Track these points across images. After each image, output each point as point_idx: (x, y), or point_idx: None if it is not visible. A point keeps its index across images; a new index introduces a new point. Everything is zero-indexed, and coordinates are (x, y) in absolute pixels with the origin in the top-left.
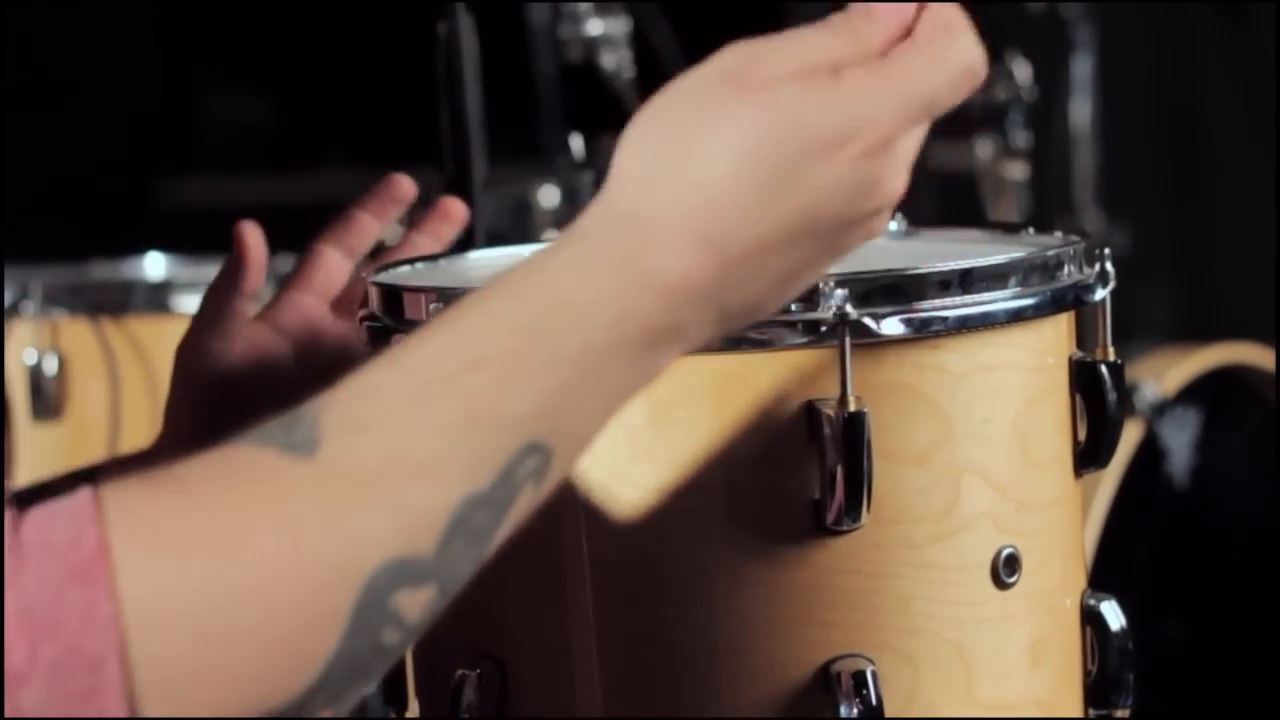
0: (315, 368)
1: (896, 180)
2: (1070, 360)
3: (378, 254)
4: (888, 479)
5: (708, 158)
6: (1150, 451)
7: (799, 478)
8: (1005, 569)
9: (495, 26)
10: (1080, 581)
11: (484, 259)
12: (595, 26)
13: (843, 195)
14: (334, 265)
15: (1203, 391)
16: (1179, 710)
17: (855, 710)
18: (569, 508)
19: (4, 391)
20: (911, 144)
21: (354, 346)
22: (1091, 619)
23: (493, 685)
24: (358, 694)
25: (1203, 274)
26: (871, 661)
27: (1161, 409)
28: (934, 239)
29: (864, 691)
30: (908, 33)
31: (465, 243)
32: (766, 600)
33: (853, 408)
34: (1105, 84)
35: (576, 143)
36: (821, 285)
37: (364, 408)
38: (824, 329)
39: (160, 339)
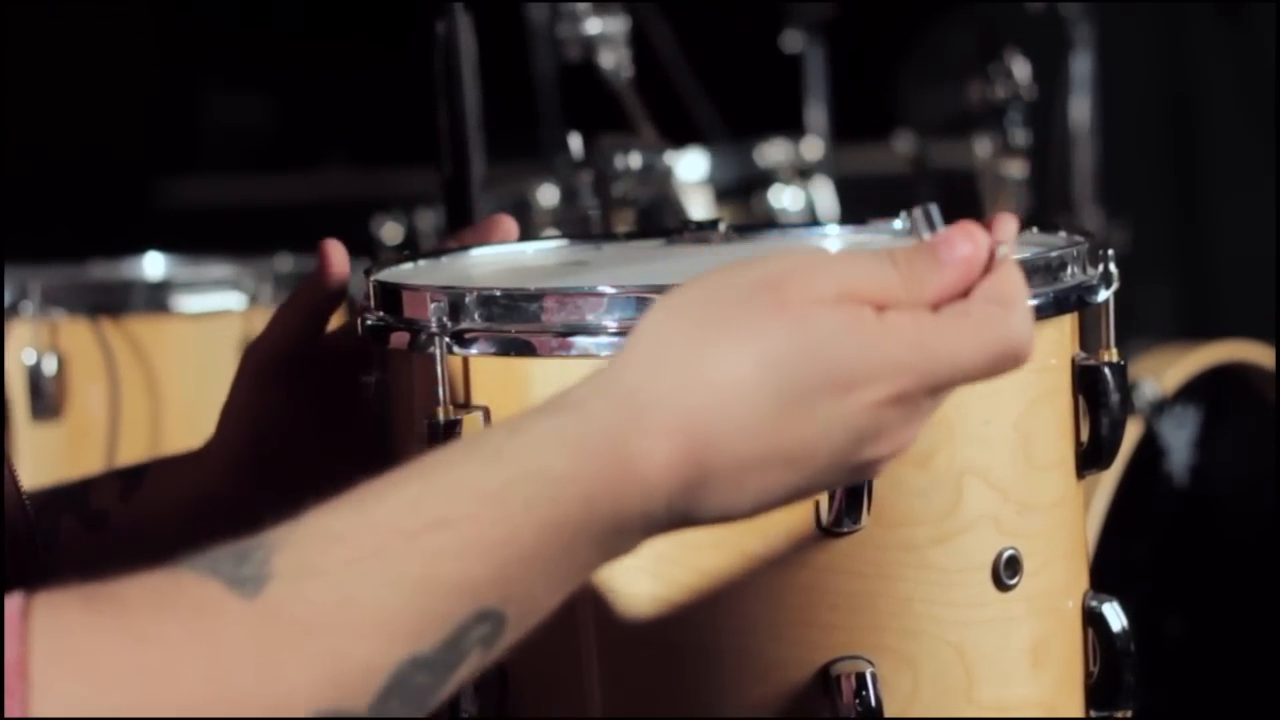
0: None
1: (906, 434)
2: (1073, 361)
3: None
4: (888, 481)
5: (726, 361)
6: (1150, 450)
7: None
8: (1006, 571)
9: (494, 26)
10: (1082, 583)
11: (484, 257)
12: (594, 25)
13: (847, 436)
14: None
15: (1202, 389)
16: (1179, 709)
17: (855, 712)
18: None
19: (3, 391)
20: (932, 406)
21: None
22: (1093, 620)
23: (492, 687)
24: None
25: (1202, 272)
26: (872, 663)
27: (1161, 407)
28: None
29: (864, 693)
30: (967, 291)
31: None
32: (767, 602)
33: None
34: (1104, 82)
35: (575, 142)
36: None
37: (319, 553)
38: None
39: (159, 339)
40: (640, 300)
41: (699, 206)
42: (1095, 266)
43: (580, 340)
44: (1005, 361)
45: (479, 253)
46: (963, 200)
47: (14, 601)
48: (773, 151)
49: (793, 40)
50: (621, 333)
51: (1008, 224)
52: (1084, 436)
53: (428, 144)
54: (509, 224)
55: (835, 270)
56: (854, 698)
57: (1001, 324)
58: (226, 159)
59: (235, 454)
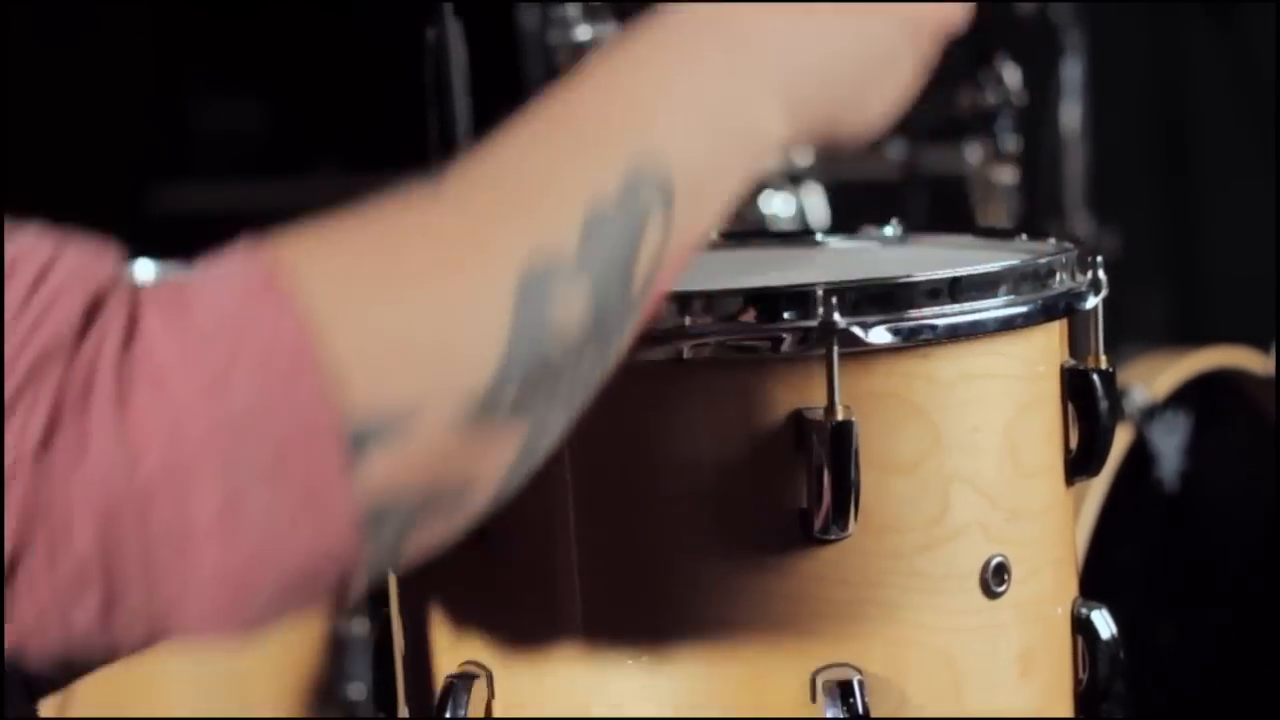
0: None
1: (900, 70)
2: (1062, 368)
3: None
4: (876, 488)
5: None
6: (1140, 456)
7: (787, 487)
8: (994, 578)
9: (485, 32)
10: (1071, 590)
11: None
12: (584, 32)
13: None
14: None
15: (1192, 395)
16: (1169, 716)
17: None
18: (558, 516)
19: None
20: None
21: None
22: (1082, 628)
23: (481, 692)
24: (548, 395)
25: (1192, 278)
26: (859, 671)
27: (1151, 413)
28: (925, 245)
29: (851, 701)
30: None
31: None
32: (754, 609)
33: (840, 416)
34: (1095, 88)
35: None
36: (810, 293)
37: (477, 159)
38: (812, 338)
39: None
40: None
41: None
42: (1084, 273)
43: None
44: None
45: None
46: (953, 206)
47: (240, 251)
48: None
49: None
50: None
51: None
52: (1073, 443)
53: (419, 150)
54: None
55: None
56: (842, 705)
57: None
58: (217, 165)
59: None
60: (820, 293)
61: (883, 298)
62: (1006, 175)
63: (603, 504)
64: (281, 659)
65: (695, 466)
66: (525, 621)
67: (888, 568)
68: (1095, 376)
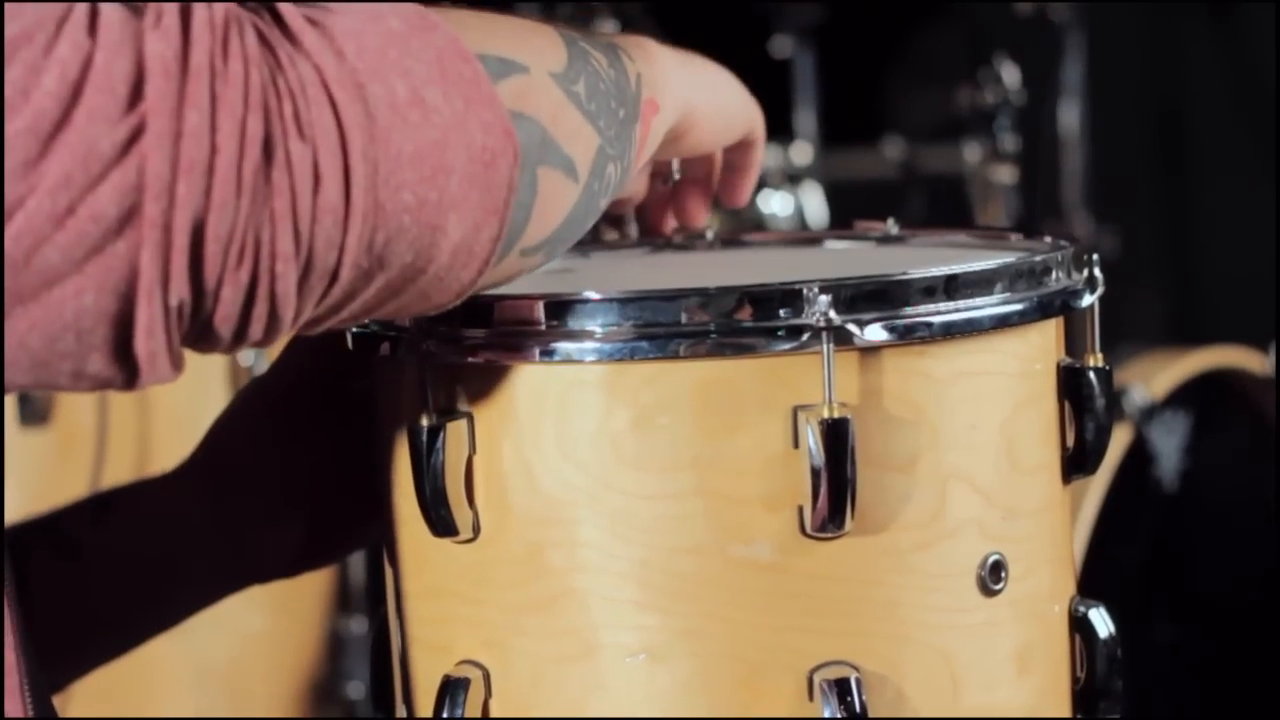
0: None
1: None
2: (1058, 366)
3: None
4: (872, 485)
5: None
6: (1139, 455)
7: (783, 484)
8: (991, 576)
9: None
10: (1069, 588)
11: None
12: None
13: None
14: None
15: (1192, 395)
16: (1167, 715)
17: (840, 718)
18: (554, 515)
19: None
20: None
21: None
22: (1080, 626)
23: (478, 692)
24: (609, 116)
25: (1191, 277)
26: (856, 669)
27: (1150, 413)
28: (921, 243)
29: (848, 699)
30: None
31: None
32: (750, 607)
33: (836, 414)
34: (1094, 88)
35: None
36: (805, 291)
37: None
38: (807, 335)
39: None
40: (625, 306)
41: None
42: (1080, 271)
43: (565, 346)
44: None
45: None
46: (952, 205)
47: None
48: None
49: (782, 45)
50: (606, 339)
51: None
52: (1070, 441)
53: None
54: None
55: None
56: (839, 703)
57: None
58: None
59: (218, 473)
60: (816, 290)
61: (878, 295)
62: (1005, 175)
63: (600, 503)
64: (281, 658)
65: (691, 464)
66: (522, 621)
67: (884, 565)
68: (1092, 374)
